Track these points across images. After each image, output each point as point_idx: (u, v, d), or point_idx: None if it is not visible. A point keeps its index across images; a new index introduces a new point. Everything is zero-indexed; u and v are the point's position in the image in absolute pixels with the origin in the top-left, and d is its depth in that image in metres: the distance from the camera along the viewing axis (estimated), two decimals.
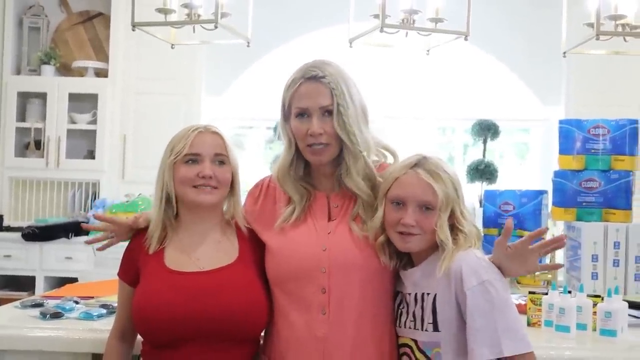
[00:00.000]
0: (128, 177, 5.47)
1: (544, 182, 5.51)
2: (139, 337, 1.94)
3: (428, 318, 1.77)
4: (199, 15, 3.05)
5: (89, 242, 2.08)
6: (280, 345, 1.87)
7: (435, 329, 1.76)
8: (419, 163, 1.82)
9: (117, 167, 5.52)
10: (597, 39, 2.86)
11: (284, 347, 1.86)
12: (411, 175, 1.80)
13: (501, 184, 5.11)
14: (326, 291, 1.82)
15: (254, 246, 1.95)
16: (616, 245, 2.88)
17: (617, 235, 2.88)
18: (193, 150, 1.88)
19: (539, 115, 5.90)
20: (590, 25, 2.89)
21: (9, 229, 5.31)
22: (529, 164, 6.22)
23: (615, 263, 2.87)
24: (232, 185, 1.96)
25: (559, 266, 2.05)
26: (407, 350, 1.84)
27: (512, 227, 1.76)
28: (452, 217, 1.80)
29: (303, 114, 1.86)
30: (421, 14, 3.04)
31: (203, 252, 1.91)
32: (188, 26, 3.17)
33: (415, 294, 1.82)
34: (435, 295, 1.77)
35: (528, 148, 6.33)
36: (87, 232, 5.05)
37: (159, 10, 3.08)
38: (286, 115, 1.90)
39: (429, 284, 1.79)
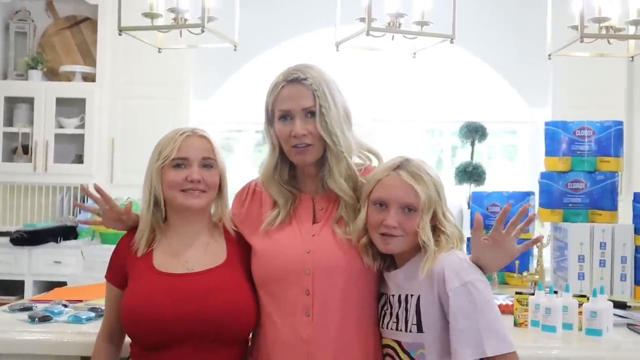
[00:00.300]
0: (117, 181, 5.45)
1: (533, 184, 5.53)
2: (127, 339, 1.95)
3: (412, 319, 1.79)
4: (185, 20, 3.04)
5: (82, 222, 2.08)
6: (267, 347, 1.88)
7: (420, 330, 1.77)
8: (401, 165, 1.83)
9: (105, 171, 5.51)
10: (582, 41, 2.89)
11: (270, 349, 1.87)
12: (393, 177, 1.82)
13: (489, 186, 5.14)
14: (310, 293, 1.83)
15: (241, 248, 1.96)
16: (602, 245, 2.90)
17: (603, 235, 2.90)
18: (181, 155, 1.89)
19: (526, 117, 5.94)
20: (575, 27, 2.91)
21: None
22: (517, 166, 6.25)
23: (602, 263, 2.90)
24: (220, 188, 1.97)
25: (539, 239, 2.04)
26: (390, 351, 1.86)
27: (481, 220, 1.78)
28: (434, 219, 1.82)
29: (286, 116, 1.87)
30: (407, 17, 3.05)
31: (191, 254, 1.92)
32: (175, 30, 3.17)
33: (399, 296, 1.83)
34: (419, 296, 1.78)
35: (516, 150, 6.36)
36: (75, 237, 5.07)
37: (146, 15, 3.07)
38: (270, 119, 1.92)
39: (412, 286, 1.80)
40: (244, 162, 6.17)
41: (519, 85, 5.83)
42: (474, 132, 5.52)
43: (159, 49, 3.28)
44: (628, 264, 2.88)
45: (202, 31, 2.93)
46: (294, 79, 1.86)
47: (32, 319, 2.22)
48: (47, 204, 5.57)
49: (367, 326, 1.88)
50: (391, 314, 1.85)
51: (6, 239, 5.11)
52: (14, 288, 5.17)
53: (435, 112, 6.02)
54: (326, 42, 4.51)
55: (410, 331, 1.79)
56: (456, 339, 1.70)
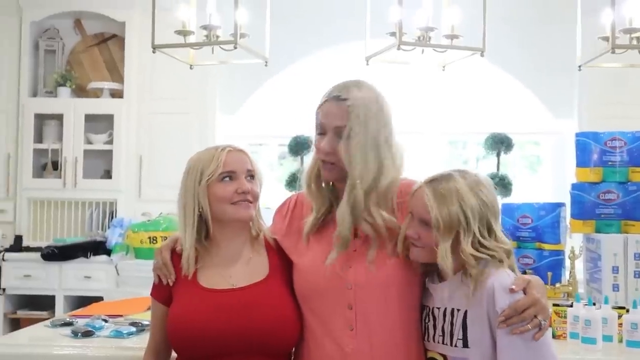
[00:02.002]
0: (144, 196, 5.53)
1: (558, 195, 5.51)
2: (173, 353, 1.97)
3: (458, 334, 1.78)
4: (217, 37, 3.09)
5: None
6: None
7: (465, 345, 1.77)
8: (434, 180, 1.83)
9: (133, 187, 5.57)
10: (613, 52, 2.89)
11: None
12: (420, 190, 1.83)
13: (514, 197, 5.12)
14: (353, 307, 1.84)
15: (283, 260, 1.98)
16: (636, 256, 2.88)
17: (637, 246, 2.88)
18: (228, 168, 1.91)
19: (551, 128, 5.91)
20: (605, 38, 2.91)
21: (28, 249, 5.36)
22: (541, 177, 6.23)
23: (637, 274, 2.87)
24: None
25: None
26: None
27: None
28: (456, 243, 1.77)
29: (320, 130, 1.90)
30: (437, 31, 3.07)
31: (235, 269, 1.94)
32: (206, 47, 3.21)
33: (445, 309, 1.83)
34: (465, 311, 1.78)
35: (540, 161, 6.34)
36: (105, 252, 5.12)
37: (178, 32, 3.12)
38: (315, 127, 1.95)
39: (459, 300, 1.80)
40: (267, 176, 6.17)
41: (543, 97, 5.80)
42: (500, 143, 5.52)
43: (191, 65, 3.32)
44: None
45: (235, 47, 2.96)
46: (334, 97, 1.87)
47: (74, 334, 2.25)
48: (77, 219, 5.62)
49: (411, 339, 1.88)
50: (435, 326, 1.84)
51: (37, 255, 5.17)
52: (44, 303, 5.23)
53: (459, 123, 6.01)
54: (352, 56, 4.52)
55: (456, 345, 1.78)
56: (502, 358, 1.71)
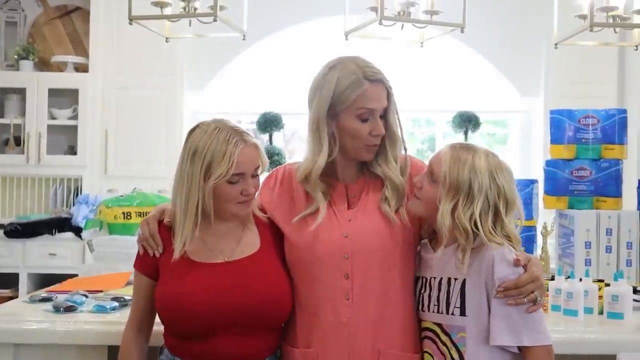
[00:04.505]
0: (110, 172, 5.42)
1: (524, 172, 5.60)
2: (156, 328, 1.95)
3: (455, 302, 1.80)
4: (195, 9, 3.03)
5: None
6: (304, 331, 1.89)
7: (462, 313, 1.80)
8: (459, 146, 1.85)
9: (99, 163, 5.46)
10: (591, 30, 2.93)
11: (308, 333, 1.88)
12: (445, 150, 1.85)
13: None
14: (349, 277, 1.85)
15: (273, 233, 1.96)
16: (608, 232, 2.95)
17: (609, 222, 2.95)
18: (238, 170, 1.83)
19: (518, 106, 5.96)
20: (583, 17, 2.95)
21: None
22: (507, 155, 6.29)
23: (608, 249, 2.94)
24: None
25: None
26: (430, 334, 1.87)
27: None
28: (455, 207, 1.79)
29: (368, 116, 1.87)
30: (416, 7, 3.07)
31: (226, 244, 1.91)
32: (180, 20, 3.15)
33: (440, 279, 1.85)
34: (464, 280, 1.80)
35: (505, 140, 6.41)
36: (71, 229, 5.04)
37: (155, 4, 3.05)
38: (334, 114, 1.89)
39: (455, 269, 1.81)
40: None
41: (511, 75, 5.84)
42: (467, 121, 5.57)
43: (167, 38, 3.26)
44: (633, 249, 2.92)
45: (215, 20, 2.91)
46: (377, 79, 1.87)
47: (57, 309, 2.21)
48: (41, 196, 5.51)
49: (407, 309, 1.90)
50: (430, 296, 1.86)
51: (0, 232, 5.07)
52: (8, 281, 5.13)
53: (425, 101, 6.00)
54: (326, 31, 4.48)
55: (453, 314, 1.81)
56: (495, 326, 1.74)
